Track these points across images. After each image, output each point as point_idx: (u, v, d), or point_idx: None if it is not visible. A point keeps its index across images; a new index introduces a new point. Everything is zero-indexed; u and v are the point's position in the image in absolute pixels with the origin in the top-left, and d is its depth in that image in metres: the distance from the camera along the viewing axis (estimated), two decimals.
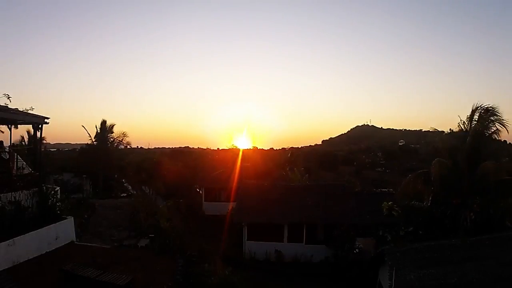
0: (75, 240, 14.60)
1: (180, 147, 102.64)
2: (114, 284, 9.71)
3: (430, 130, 18.11)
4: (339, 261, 18.64)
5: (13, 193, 12.43)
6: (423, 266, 10.41)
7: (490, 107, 15.39)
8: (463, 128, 16.19)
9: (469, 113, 15.93)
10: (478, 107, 15.63)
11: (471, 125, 15.76)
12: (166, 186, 32.69)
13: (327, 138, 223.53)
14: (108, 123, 34.23)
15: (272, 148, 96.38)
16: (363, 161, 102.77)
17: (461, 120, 16.08)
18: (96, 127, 33.54)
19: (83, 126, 32.99)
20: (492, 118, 15.38)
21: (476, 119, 15.72)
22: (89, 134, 33.29)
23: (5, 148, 15.09)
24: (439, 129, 19.25)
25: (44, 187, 14.48)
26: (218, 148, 76.44)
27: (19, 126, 15.83)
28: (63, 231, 13.81)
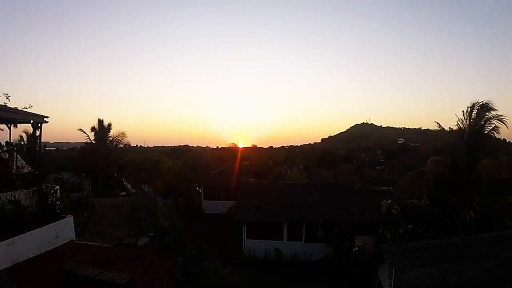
0: (74, 239, 14.58)
1: (179, 145, 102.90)
2: (113, 283, 9.70)
3: (430, 129, 18.01)
4: (339, 259, 18.65)
5: (12, 192, 12.40)
6: (423, 265, 10.42)
7: (486, 103, 15.26)
8: (461, 126, 16.07)
9: (467, 110, 15.80)
10: (474, 103, 15.51)
11: (470, 122, 15.64)
12: (166, 185, 32.66)
13: (327, 137, 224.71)
14: (107, 122, 34.20)
15: (271, 146, 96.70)
16: (362, 160, 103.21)
17: (459, 117, 15.98)
18: (94, 127, 33.49)
19: (80, 130, 33.02)
20: (489, 115, 15.25)
21: (474, 116, 15.60)
22: (87, 136, 33.34)
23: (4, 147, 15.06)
24: (439, 127, 19.18)
25: (44, 186, 14.46)
26: (217, 147, 76.44)
27: (18, 125, 15.80)
28: (62, 230, 13.79)
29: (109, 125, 34.08)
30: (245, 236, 21.52)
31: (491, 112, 15.14)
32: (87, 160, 34.24)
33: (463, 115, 15.72)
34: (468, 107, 15.62)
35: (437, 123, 17.14)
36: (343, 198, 22.44)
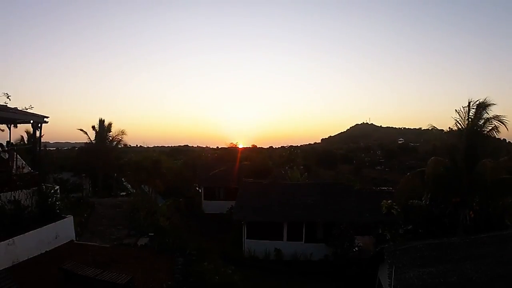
0: (74, 239, 14.58)
1: (179, 145, 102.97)
2: (113, 283, 9.69)
3: (429, 129, 17.97)
4: (339, 260, 18.67)
5: (12, 192, 12.39)
6: (423, 265, 10.41)
7: (482, 102, 15.19)
8: (460, 126, 16.01)
9: (463, 109, 15.72)
10: (470, 102, 15.41)
11: (468, 122, 15.58)
12: (166, 185, 32.67)
13: (327, 137, 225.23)
14: (107, 121, 34.25)
15: (272, 146, 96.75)
16: (362, 160, 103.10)
17: (458, 117, 15.89)
18: (95, 126, 33.53)
19: (81, 130, 33.10)
20: (488, 115, 15.18)
21: (472, 116, 15.54)
22: (88, 136, 33.40)
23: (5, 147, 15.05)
24: (438, 128, 19.13)
25: (44, 186, 14.46)
26: (217, 147, 76.50)
27: (18, 125, 15.78)
28: (62, 230, 13.78)
29: (110, 124, 34.16)
30: (245, 236, 21.51)
31: (490, 111, 15.08)
32: (87, 160, 34.25)
33: (461, 114, 15.65)
34: (462, 107, 15.55)
35: (432, 125, 17.23)
36: (343, 198, 22.45)
